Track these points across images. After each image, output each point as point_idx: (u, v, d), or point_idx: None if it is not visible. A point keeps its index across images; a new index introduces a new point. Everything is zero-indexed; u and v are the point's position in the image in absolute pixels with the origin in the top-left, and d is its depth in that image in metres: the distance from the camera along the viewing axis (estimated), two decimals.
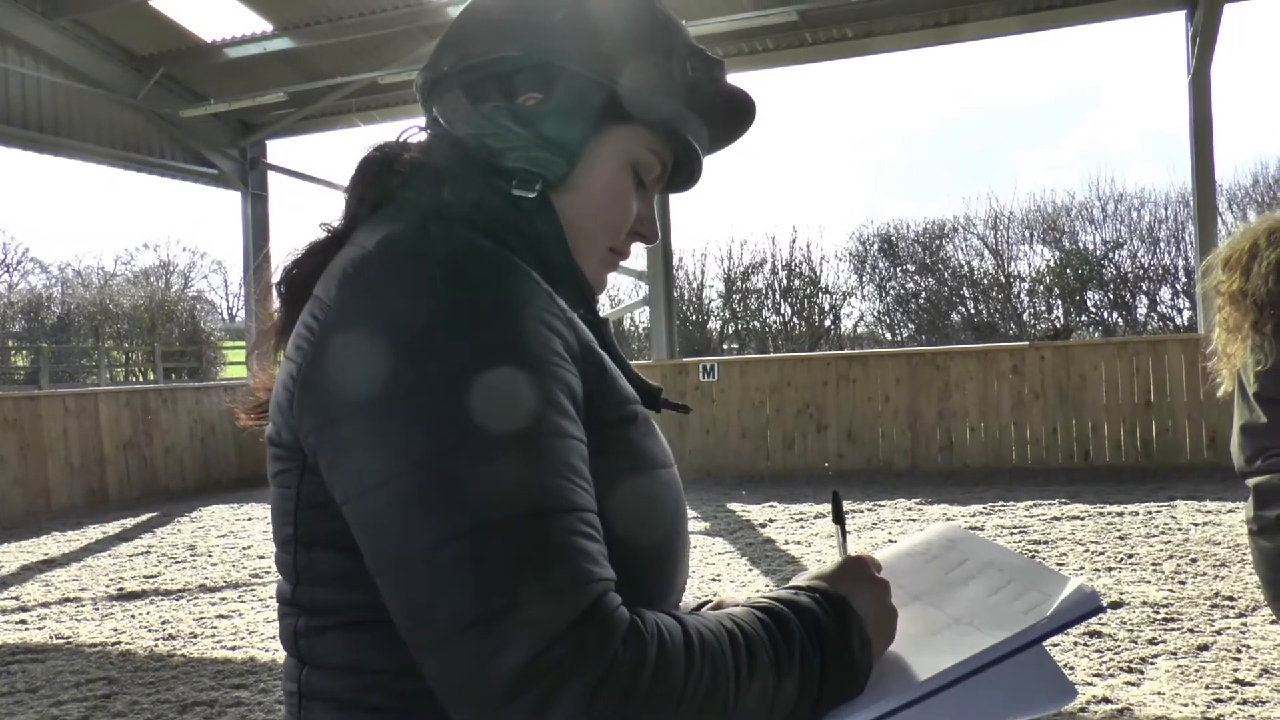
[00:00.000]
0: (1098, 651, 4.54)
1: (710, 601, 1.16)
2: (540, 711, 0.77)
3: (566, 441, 0.85)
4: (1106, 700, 3.94)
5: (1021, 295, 22.45)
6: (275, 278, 1.06)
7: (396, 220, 0.97)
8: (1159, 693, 3.99)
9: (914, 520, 8.12)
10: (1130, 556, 6.44)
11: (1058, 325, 21.61)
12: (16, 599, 6.80)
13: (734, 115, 1.14)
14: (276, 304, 1.06)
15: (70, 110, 12.06)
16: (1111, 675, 4.23)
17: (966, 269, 23.09)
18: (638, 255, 18.73)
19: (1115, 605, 5.27)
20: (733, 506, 9.32)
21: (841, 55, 11.94)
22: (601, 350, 0.97)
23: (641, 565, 0.90)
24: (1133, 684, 4.12)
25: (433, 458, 0.81)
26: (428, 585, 0.79)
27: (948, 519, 8.04)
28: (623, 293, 23.19)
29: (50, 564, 7.97)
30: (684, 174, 1.13)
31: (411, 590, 0.80)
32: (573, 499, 0.83)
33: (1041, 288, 22.17)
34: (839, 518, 1.11)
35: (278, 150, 14.73)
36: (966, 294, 23.12)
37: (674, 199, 12.56)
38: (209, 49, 12.23)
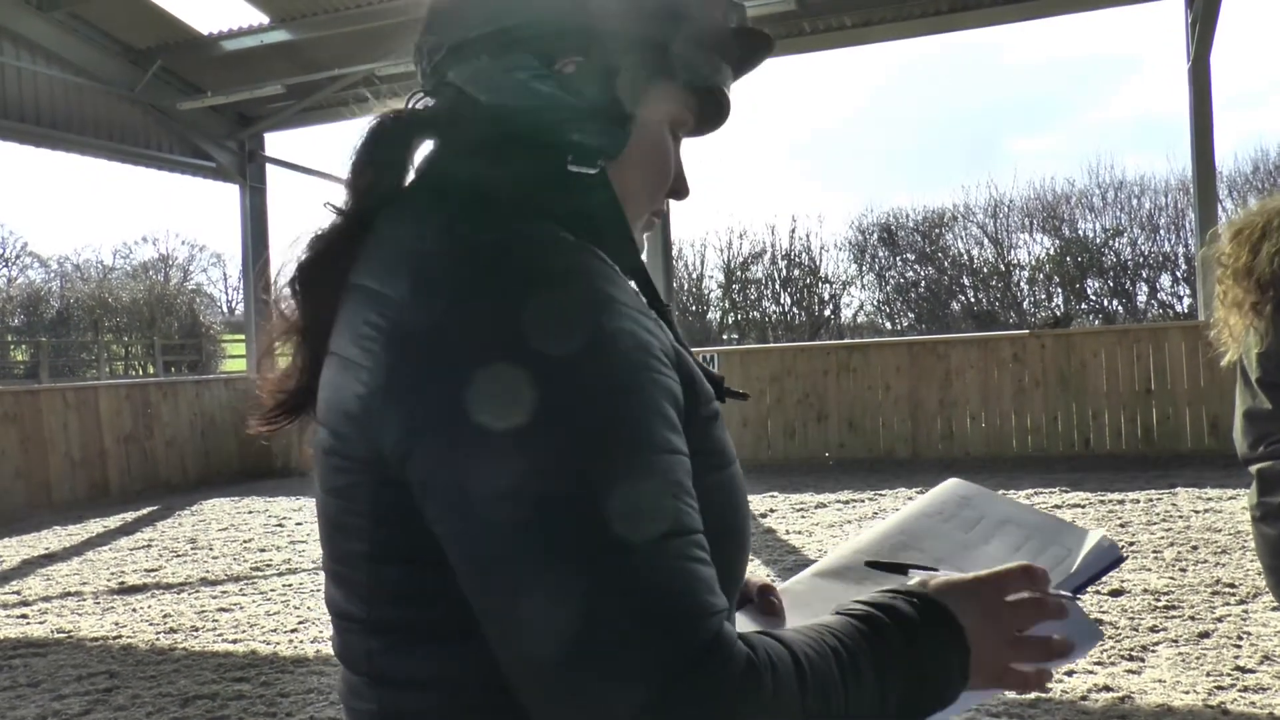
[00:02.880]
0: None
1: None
2: None
3: (676, 458, 0.81)
4: (1108, 688, 3.94)
5: (1021, 284, 22.45)
6: (287, 270, 0.98)
7: (445, 202, 0.91)
8: (1160, 680, 3.99)
9: None
10: (1131, 544, 6.44)
11: (1058, 313, 21.59)
12: (18, 593, 6.80)
13: (753, 53, 1.07)
14: (289, 298, 0.98)
15: (67, 104, 12.03)
16: (1113, 663, 4.23)
17: (966, 258, 23.08)
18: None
19: (1116, 593, 5.27)
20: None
21: (840, 44, 11.89)
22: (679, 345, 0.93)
23: (723, 564, 0.85)
24: (1134, 672, 4.11)
25: (550, 479, 0.76)
26: (542, 616, 0.74)
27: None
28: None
29: (51, 558, 7.98)
30: (712, 120, 1.07)
31: (523, 620, 0.75)
32: (687, 521, 0.79)
33: (1041, 276, 22.16)
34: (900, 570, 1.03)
35: (276, 143, 14.72)
36: (966, 283, 23.10)
37: None
38: (206, 41, 12.19)
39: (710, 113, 1.06)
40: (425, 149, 1.01)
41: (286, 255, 0.99)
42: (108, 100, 12.38)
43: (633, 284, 0.94)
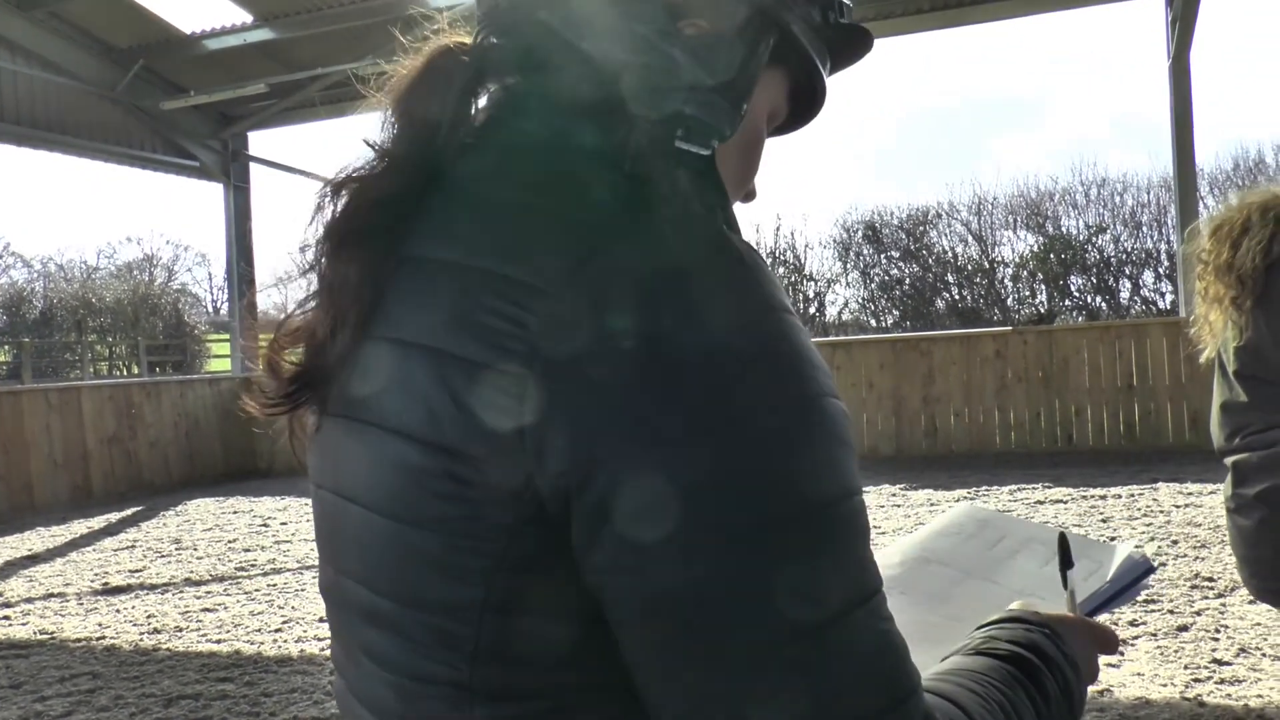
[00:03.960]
0: None
1: None
2: None
3: (862, 498, 0.71)
4: None
5: (1005, 281, 22.56)
6: (332, 217, 0.81)
7: (560, 164, 0.77)
8: (1139, 673, 4.03)
9: (898, 506, 8.16)
10: (1112, 539, 6.48)
11: (1041, 310, 21.70)
12: (0, 595, 6.78)
13: (856, 51, 0.97)
14: (329, 257, 0.81)
15: (47, 103, 11.96)
16: None
17: (950, 255, 23.18)
18: None
19: None
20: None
21: None
22: None
23: None
24: (1113, 665, 4.15)
25: (757, 528, 0.64)
26: (742, 705, 0.64)
27: (932, 504, 8.09)
28: None
29: (34, 559, 7.95)
30: (804, 116, 0.97)
31: (726, 696, 0.64)
32: (879, 573, 0.70)
33: (1025, 273, 22.27)
34: (1066, 564, 0.99)
35: (259, 142, 14.69)
36: (951, 280, 23.20)
37: None
38: (188, 40, 12.15)
39: (802, 109, 0.95)
40: (490, 95, 0.86)
41: (321, 202, 0.82)
42: (89, 100, 12.32)
43: None
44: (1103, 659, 4.10)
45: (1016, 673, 0.80)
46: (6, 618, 6.12)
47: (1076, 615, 0.92)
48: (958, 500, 8.19)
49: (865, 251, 24.12)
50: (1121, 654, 4.29)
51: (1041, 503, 7.89)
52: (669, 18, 0.80)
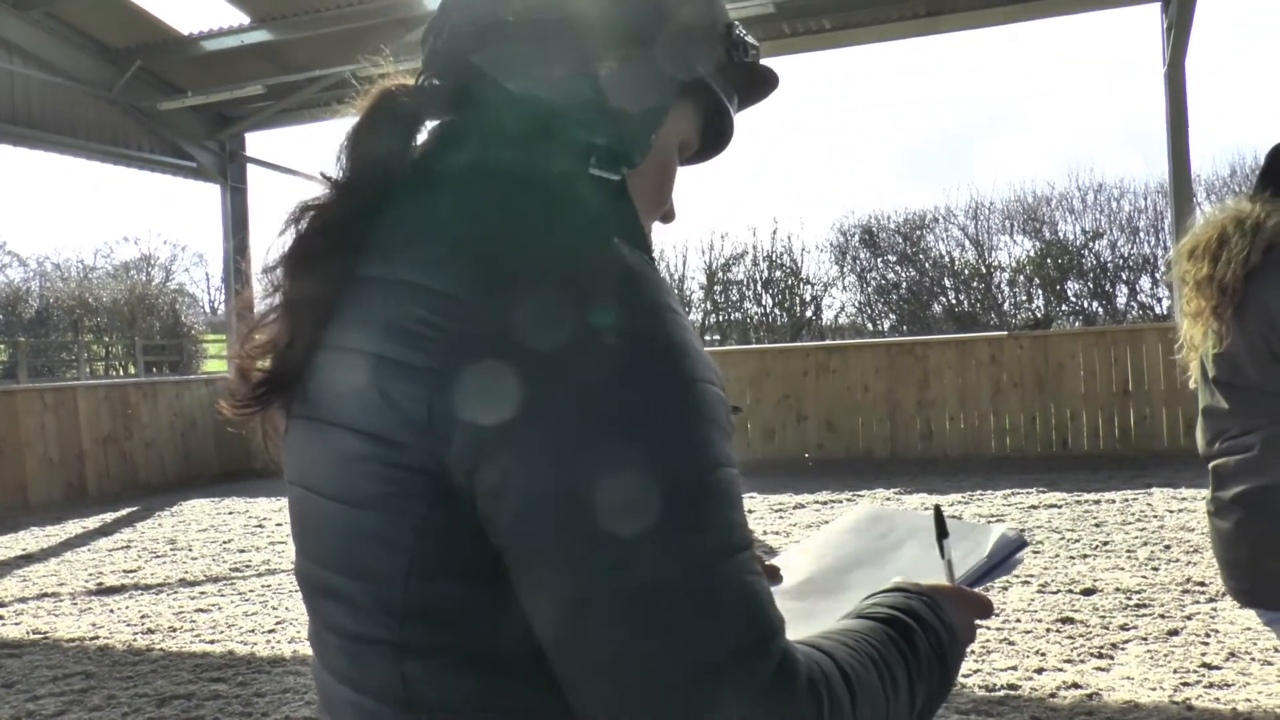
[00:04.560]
0: (1069, 638, 4.59)
1: None
2: None
3: (734, 471, 0.80)
4: (1076, 685, 3.98)
5: (1002, 285, 22.58)
6: (288, 242, 0.91)
7: (496, 192, 0.86)
8: (1128, 677, 4.04)
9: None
10: (1106, 544, 6.50)
11: (1038, 315, 21.73)
12: None
13: (762, 90, 1.09)
14: (287, 275, 0.92)
15: (44, 104, 11.96)
16: (1082, 661, 4.28)
17: (947, 259, 23.20)
18: None
19: (1089, 592, 5.33)
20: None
21: (820, 47, 11.95)
22: None
23: None
24: (1103, 669, 4.17)
25: (633, 499, 0.73)
26: (616, 640, 0.73)
27: (926, 508, 8.08)
28: None
29: (28, 559, 7.94)
30: (713, 148, 1.09)
31: (594, 645, 0.73)
32: (747, 535, 0.79)
33: (1022, 278, 22.30)
34: (942, 534, 1.12)
35: (256, 143, 14.67)
36: (947, 284, 23.23)
37: None
38: (185, 41, 12.15)
39: (712, 140, 1.06)
40: (428, 131, 0.96)
41: (283, 228, 0.93)
42: (86, 100, 12.32)
43: None
44: (1091, 663, 4.12)
45: (890, 631, 0.89)
46: (0, 617, 6.12)
47: (954, 584, 1.03)
48: (952, 504, 8.20)
49: (862, 255, 24.15)
50: (1111, 657, 4.31)
51: (1036, 507, 7.91)
52: (583, 59, 0.92)
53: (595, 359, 0.76)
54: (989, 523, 1.34)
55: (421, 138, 0.95)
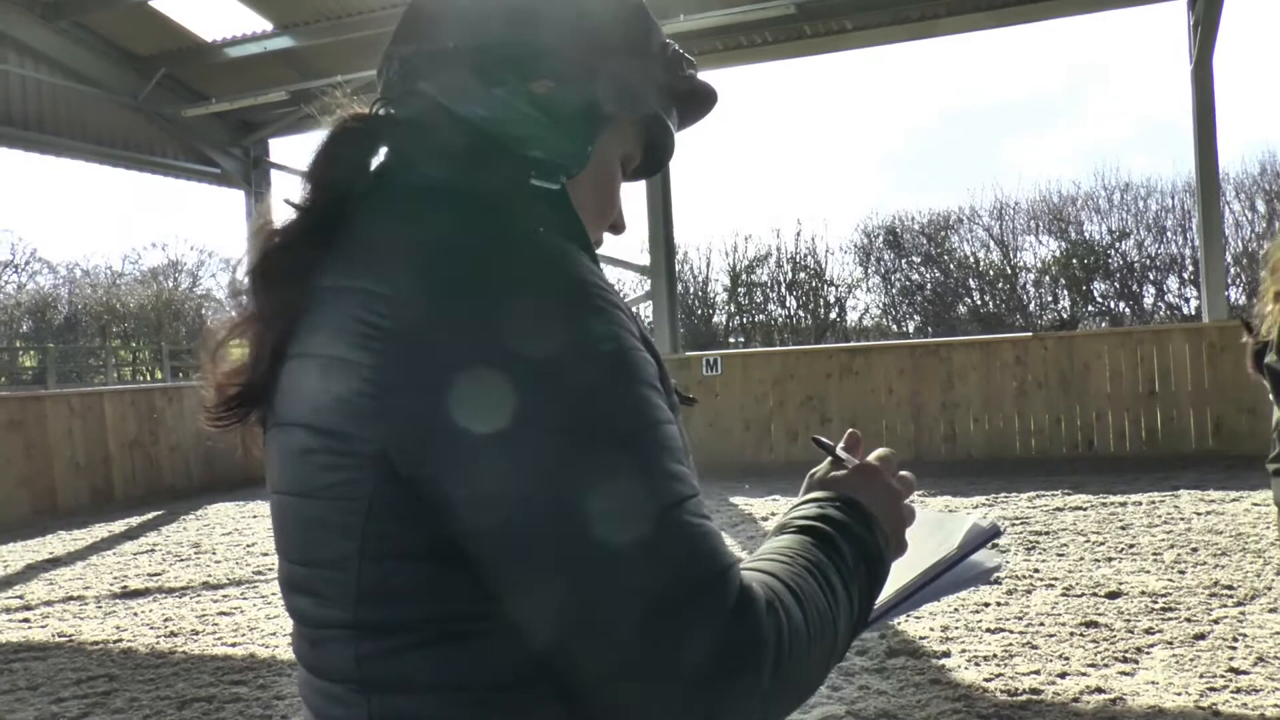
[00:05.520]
0: (1093, 642, 4.54)
1: None
2: (721, 702, 0.78)
3: (673, 427, 0.86)
4: (1100, 690, 3.93)
5: (1027, 286, 22.41)
6: (252, 260, 0.98)
7: (434, 204, 0.93)
8: (1153, 682, 3.99)
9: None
10: (1131, 546, 6.43)
11: (1064, 316, 21.55)
12: (21, 598, 6.84)
13: (702, 107, 1.16)
14: (251, 291, 0.98)
15: (72, 111, 12.10)
16: (1106, 665, 4.23)
17: (972, 260, 23.05)
18: (640, 250, 18.56)
19: (1114, 595, 5.26)
20: (735, 500, 9.32)
21: (841, 48, 11.91)
22: None
23: None
24: (1127, 674, 4.11)
25: (569, 460, 0.79)
26: (589, 593, 0.78)
27: (949, 510, 8.02)
28: (627, 287, 23.21)
29: (55, 563, 8.02)
30: (656, 164, 1.15)
31: (573, 598, 0.78)
32: (694, 483, 0.85)
33: (1047, 278, 22.12)
34: (830, 452, 1.14)
35: (280, 149, 14.76)
36: (972, 285, 23.08)
37: (677, 193, 12.56)
38: (209, 48, 12.25)
39: (654, 156, 1.13)
40: (383, 154, 1.03)
41: (248, 246, 1.00)
42: (112, 108, 12.45)
43: None
44: (1115, 668, 4.07)
45: (815, 541, 0.94)
46: (26, 620, 6.18)
47: (856, 465, 1.05)
48: (976, 506, 8.13)
49: (886, 257, 24.04)
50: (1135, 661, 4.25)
51: (1061, 509, 7.83)
52: (521, 80, 0.99)
53: (528, 343, 0.82)
54: (965, 514, 1.36)
55: (379, 161, 1.02)
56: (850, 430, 1.15)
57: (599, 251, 1.12)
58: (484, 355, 0.82)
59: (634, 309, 0.95)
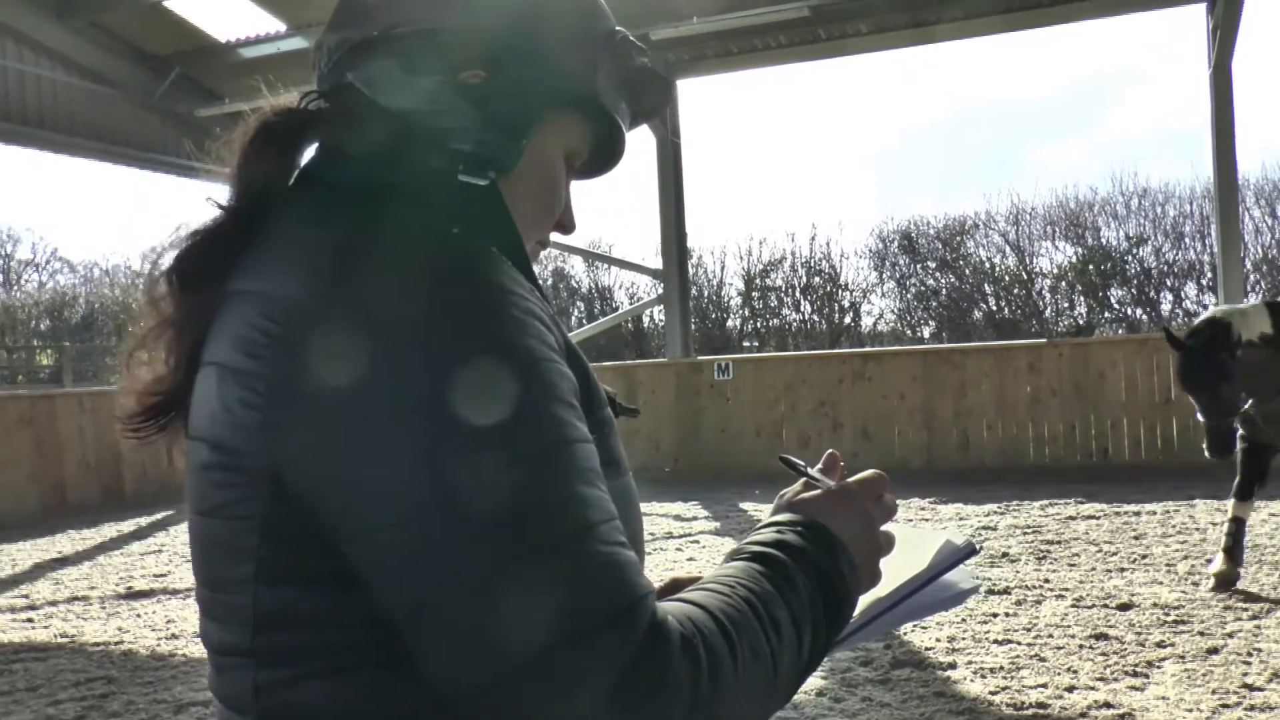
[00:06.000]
0: (1103, 655, 4.45)
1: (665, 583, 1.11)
2: None
3: (588, 446, 0.80)
4: (1108, 705, 3.85)
5: (1044, 292, 22.23)
6: (160, 264, 0.92)
7: (340, 205, 0.88)
8: (1163, 697, 3.90)
9: (926, 520, 8.03)
10: (1144, 557, 6.33)
11: (1080, 322, 21.38)
12: (26, 597, 6.83)
13: (653, 100, 1.09)
14: (165, 294, 0.92)
15: (87, 111, 12.15)
16: (1115, 679, 4.15)
17: (988, 265, 22.89)
18: (653, 253, 18.51)
19: (1125, 607, 5.18)
20: (745, 506, 9.26)
21: (855, 51, 11.84)
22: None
23: None
24: (1137, 688, 4.03)
25: (464, 482, 0.73)
26: (484, 628, 0.71)
27: (961, 519, 7.95)
28: (640, 290, 23.14)
29: (62, 562, 8.02)
30: (607, 159, 1.09)
31: (465, 631, 0.72)
32: (607, 508, 0.78)
33: (1064, 284, 21.95)
34: (801, 472, 1.07)
35: None
36: (988, 290, 22.92)
37: (691, 196, 12.51)
38: (223, 49, 12.28)
39: (605, 152, 1.07)
40: (313, 150, 0.97)
41: (164, 246, 0.94)
42: (127, 107, 12.49)
43: None
44: (1125, 682, 3.98)
45: (763, 569, 0.87)
46: (30, 620, 6.16)
47: (836, 487, 0.97)
48: (988, 515, 8.04)
49: (901, 261, 23.91)
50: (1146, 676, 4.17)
51: (1074, 518, 7.73)
52: (450, 69, 0.93)
53: (422, 353, 0.76)
54: (940, 528, 1.26)
55: (309, 157, 0.97)
56: (829, 451, 1.08)
57: (541, 252, 1.07)
58: (372, 367, 0.76)
59: (555, 314, 0.89)
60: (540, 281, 0.97)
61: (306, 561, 0.80)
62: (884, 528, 0.98)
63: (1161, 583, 5.68)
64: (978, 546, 1.05)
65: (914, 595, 0.99)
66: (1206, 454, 5.40)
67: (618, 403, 1.00)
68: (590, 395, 0.88)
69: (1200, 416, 5.32)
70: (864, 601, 0.97)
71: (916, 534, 1.07)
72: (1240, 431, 5.60)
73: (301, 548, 0.80)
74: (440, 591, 0.73)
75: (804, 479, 1.01)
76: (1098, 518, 7.72)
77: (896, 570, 1.00)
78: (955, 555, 1.01)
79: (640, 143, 12.04)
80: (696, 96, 50.52)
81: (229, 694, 0.87)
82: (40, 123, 11.76)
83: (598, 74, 1.00)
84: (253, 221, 0.90)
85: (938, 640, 4.77)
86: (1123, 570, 6.04)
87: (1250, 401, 5.25)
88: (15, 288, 32.45)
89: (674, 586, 1.06)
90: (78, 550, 8.56)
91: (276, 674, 0.83)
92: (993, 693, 4.06)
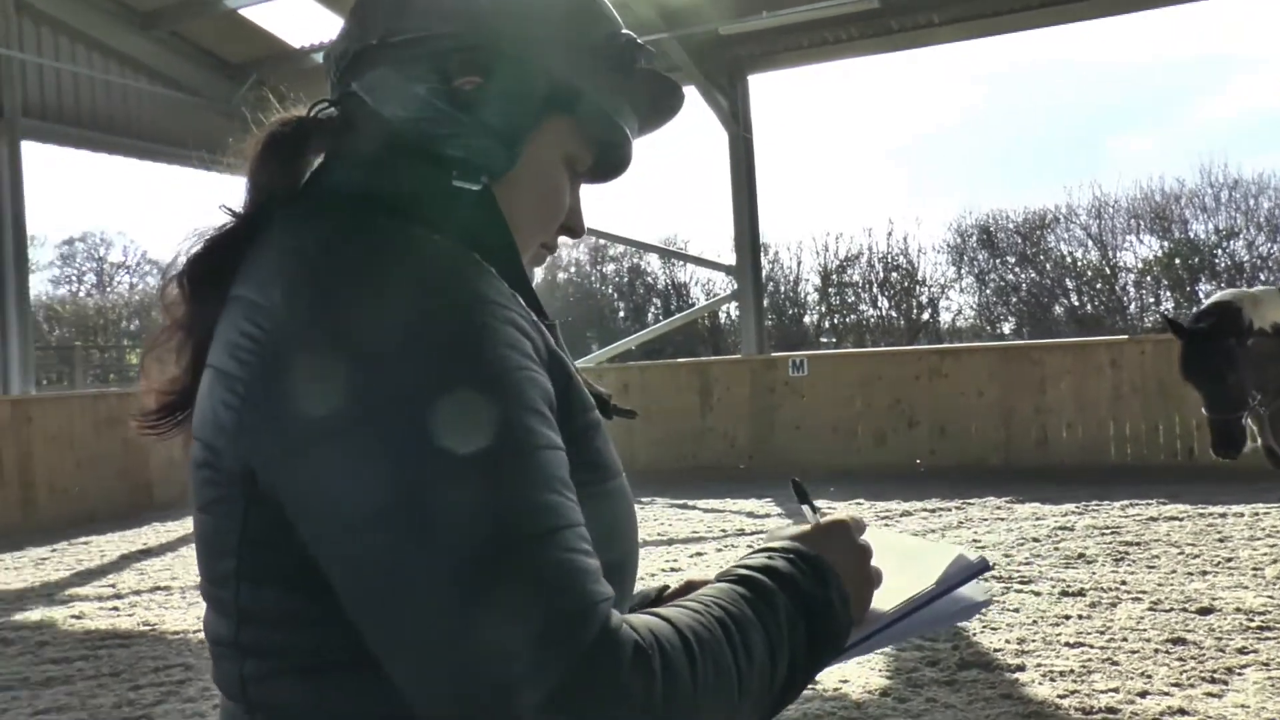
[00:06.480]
0: (1180, 660, 4.31)
1: (669, 587, 1.12)
2: None
3: (554, 453, 0.80)
4: (1183, 712, 3.73)
5: (1128, 287, 21.63)
6: (174, 268, 0.96)
7: (331, 212, 0.90)
8: (1243, 705, 3.77)
9: (1002, 520, 7.87)
10: (1229, 560, 6.12)
11: (1167, 319, 20.77)
12: (113, 586, 7.08)
13: (663, 104, 1.09)
14: (178, 297, 0.96)
15: (168, 118, 12.52)
16: (1192, 685, 4.01)
17: (1069, 260, 22.35)
18: (727, 249, 18.44)
19: (1205, 611, 5.01)
20: (819, 504, 9.14)
21: (928, 43, 11.63)
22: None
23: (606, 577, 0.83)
24: (1214, 695, 3.89)
25: (426, 487, 0.74)
26: (431, 626, 0.73)
27: (1037, 519, 7.77)
28: (716, 287, 23.06)
29: (147, 553, 8.28)
30: (613, 165, 1.10)
31: (412, 632, 0.74)
32: (569, 515, 0.78)
33: (1149, 279, 21.33)
34: (804, 500, 1.13)
35: None
36: (1069, 285, 22.37)
37: (766, 191, 12.43)
38: (297, 54, 12.55)
39: (611, 156, 1.08)
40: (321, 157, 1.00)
41: (179, 249, 0.97)
42: (207, 114, 12.83)
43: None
44: (1202, 688, 3.85)
45: (744, 591, 0.87)
46: (115, 609, 6.38)
47: (824, 522, 0.99)
48: (1065, 514, 7.85)
49: (980, 256, 23.47)
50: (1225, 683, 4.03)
51: (1155, 519, 7.51)
52: (443, 77, 0.95)
53: (388, 359, 0.77)
54: (951, 544, 1.24)
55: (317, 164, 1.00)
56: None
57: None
58: (340, 371, 0.77)
59: (534, 319, 0.90)
60: (533, 285, 0.98)
61: (282, 561, 0.82)
62: (898, 537, 1.00)
63: (1246, 587, 5.48)
64: (991, 564, 1.04)
65: (923, 609, 0.98)
66: (1211, 453, 4.93)
67: (611, 405, 1.00)
68: (573, 400, 0.88)
69: (1204, 410, 4.82)
70: (872, 611, 0.97)
71: (928, 548, 1.07)
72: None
73: (276, 548, 0.82)
74: (392, 594, 0.74)
75: (807, 510, 1.04)
76: (1180, 519, 7.49)
77: (907, 583, 1.00)
78: (967, 571, 1.00)
79: (713, 139, 11.99)
80: (770, 91, 50.15)
81: (223, 683, 0.91)
82: (126, 130, 12.17)
83: (595, 79, 1.00)
84: (259, 228, 0.93)
85: (1007, 642, 4.67)
86: (1205, 573, 5.85)
87: (1259, 398, 4.81)
88: (108, 289, 33.59)
89: (688, 588, 1.06)
90: (161, 542, 8.83)
91: (258, 667, 0.86)
92: (1061, 696, 3.96)
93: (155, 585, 7.04)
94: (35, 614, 6.30)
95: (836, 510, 1.00)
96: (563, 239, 1.09)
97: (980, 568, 1.00)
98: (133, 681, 4.81)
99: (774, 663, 0.84)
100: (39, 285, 31.80)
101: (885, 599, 0.98)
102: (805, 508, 1.11)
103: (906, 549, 1.07)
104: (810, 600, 0.89)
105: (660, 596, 1.10)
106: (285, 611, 0.84)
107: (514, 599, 0.73)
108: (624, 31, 1.04)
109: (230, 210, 0.97)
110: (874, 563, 0.99)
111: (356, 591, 0.77)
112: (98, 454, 10.47)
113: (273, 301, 0.83)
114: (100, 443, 10.49)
